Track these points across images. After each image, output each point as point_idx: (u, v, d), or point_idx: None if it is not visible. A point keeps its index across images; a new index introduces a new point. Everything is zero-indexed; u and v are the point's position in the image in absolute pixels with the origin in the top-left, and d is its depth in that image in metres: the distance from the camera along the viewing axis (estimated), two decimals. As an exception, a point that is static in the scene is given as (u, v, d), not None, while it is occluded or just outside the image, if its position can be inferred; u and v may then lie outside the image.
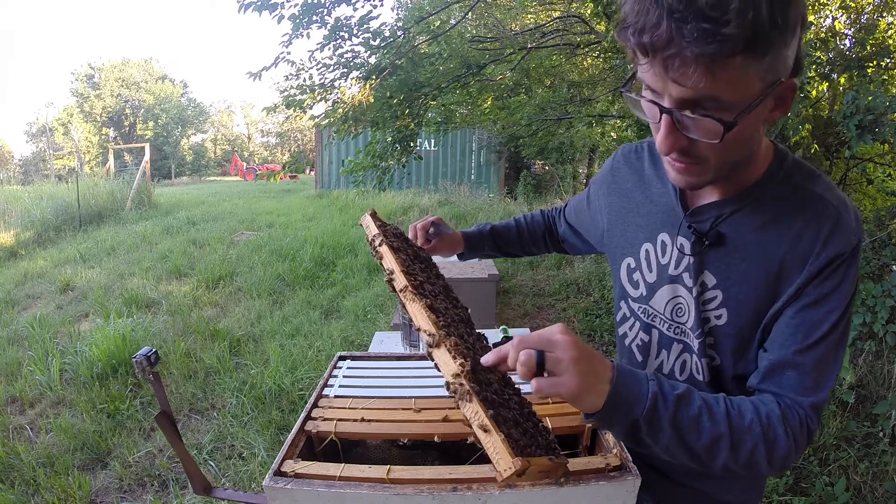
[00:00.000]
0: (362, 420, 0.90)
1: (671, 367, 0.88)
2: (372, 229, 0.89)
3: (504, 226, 1.22)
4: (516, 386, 0.80)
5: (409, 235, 1.04)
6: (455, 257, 1.19)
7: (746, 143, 0.66)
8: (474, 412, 0.61)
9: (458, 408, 0.63)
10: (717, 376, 0.82)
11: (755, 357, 0.77)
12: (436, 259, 1.03)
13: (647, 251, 0.87)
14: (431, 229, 1.08)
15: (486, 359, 0.66)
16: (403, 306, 0.76)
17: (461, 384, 0.63)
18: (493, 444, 0.59)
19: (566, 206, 1.18)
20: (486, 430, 0.60)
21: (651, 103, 0.63)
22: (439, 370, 0.67)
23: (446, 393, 0.97)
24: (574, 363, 0.61)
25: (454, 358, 0.65)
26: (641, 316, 0.90)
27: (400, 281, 0.78)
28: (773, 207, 0.73)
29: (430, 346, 0.69)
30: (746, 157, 0.71)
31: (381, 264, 0.83)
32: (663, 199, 0.85)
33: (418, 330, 0.72)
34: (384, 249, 0.84)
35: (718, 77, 0.56)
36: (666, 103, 0.61)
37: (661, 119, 0.62)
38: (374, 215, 0.94)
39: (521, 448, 0.62)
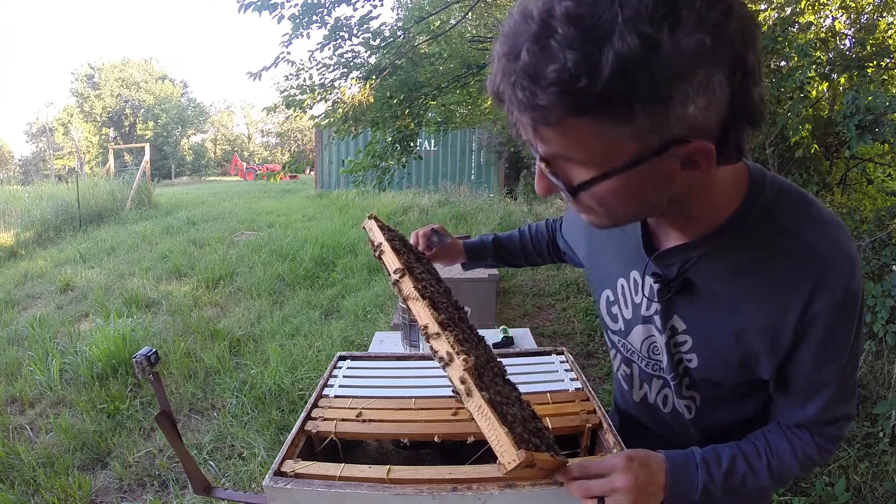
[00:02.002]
0: (362, 420, 0.90)
1: (654, 399, 0.88)
2: (375, 232, 0.90)
3: (507, 237, 1.21)
4: (516, 385, 0.81)
5: (411, 241, 1.05)
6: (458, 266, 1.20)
7: (637, 200, 0.58)
8: (477, 406, 0.62)
9: (462, 403, 0.64)
10: (700, 413, 0.83)
11: (735, 396, 0.79)
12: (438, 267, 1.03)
13: (622, 286, 0.84)
14: (434, 237, 1.09)
15: (566, 469, 0.67)
16: (407, 306, 0.76)
17: (464, 379, 0.64)
18: (498, 437, 0.59)
19: (562, 221, 1.13)
20: (490, 424, 0.60)
21: (525, 143, 0.57)
22: (443, 367, 0.67)
23: (446, 393, 0.97)
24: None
25: (458, 354, 0.66)
26: (621, 349, 0.90)
27: (405, 282, 0.79)
28: (748, 252, 0.65)
29: (431, 341, 0.69)
30: (656, 210, 0.62)
31: (385, 266, 0.84)
32: (632, 233, 0.78)
33: (423, 330, 0.73)
34: (388, 251, 0.85)
35: (560, 136, 0.50)
36: (533, 150, 0.56)
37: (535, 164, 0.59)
38: (376, 218, 0.95)
39: (524, 442, 0.62)
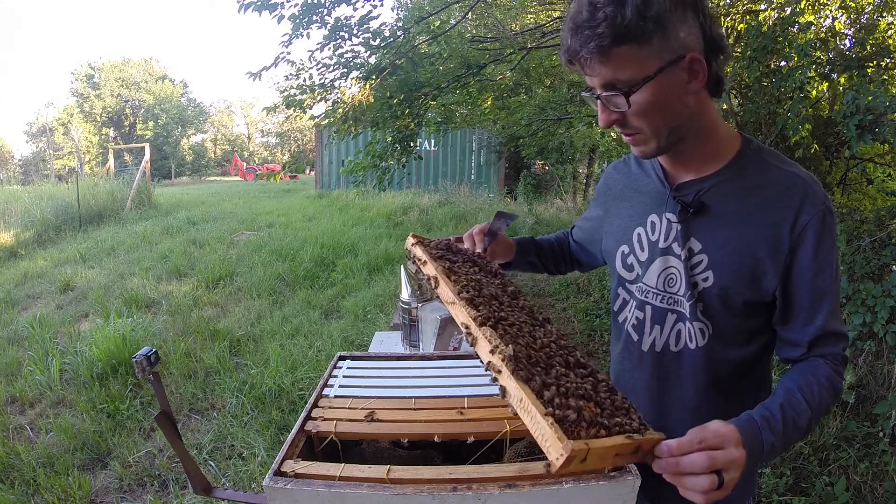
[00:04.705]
0: (362, 420, 0.90)
1: (665, 340, 0.95)
2: (417, 252, 0.95)
3: (544, 238, 1.29)
4: (590, 366, 0.75)
5: (466, 243, 1.06)
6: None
7: (669, 111, 0.80)
8: (514, 390, 0.57)
9: (502, 397, 0.61)
10: (710, 343, 0.91)
11: (743, 330, 0.89)
12: None
13: (638, 234, 0.98)
14: (496, 224, 1.07)
15: (669, 444, 0.65)
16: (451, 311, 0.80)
17: (492, 364, 0.62)
18: (540, 428, 0.52)
19: (573, 228, 1.27)
20: (528, 413, 0.54)
21: (590, 95, 0.84)
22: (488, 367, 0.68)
23: (446, 393, 0.97)
24: (739, 477, 0.66)
25: (489, 342, 0.66)
26: (637, 294, 0.99)
27: (441, 289, 0.81)
28: (749, 181, 0.86)
29: (469, 337, 0.71)
30: (683, 125, 0.83)
31: (431, 283, 0.89)
32: (649, 188, 0.97)
33: (467, 333, 0.74)
34: (428, 263, 0.90)
35: (610, 65, 0.76)
36: (596, 92, 0.81)
37: (598, 103, 0.82)
38: (415, 236, 1.00)
39: (576, 427, 0.54)
